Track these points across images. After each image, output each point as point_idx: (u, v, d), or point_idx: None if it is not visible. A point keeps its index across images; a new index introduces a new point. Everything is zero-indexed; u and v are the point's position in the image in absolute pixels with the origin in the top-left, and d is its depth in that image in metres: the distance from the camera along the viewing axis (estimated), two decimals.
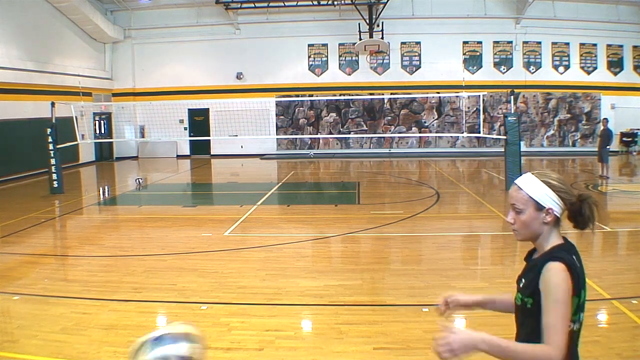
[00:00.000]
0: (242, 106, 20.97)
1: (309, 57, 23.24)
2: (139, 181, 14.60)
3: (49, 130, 13.20)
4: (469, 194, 12.46)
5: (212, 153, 23.93)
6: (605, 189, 13.06)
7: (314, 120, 23.29)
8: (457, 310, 2.15)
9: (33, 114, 17.12)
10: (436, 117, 22.90)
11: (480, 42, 22.57)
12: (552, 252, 1.79)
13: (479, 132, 18.26)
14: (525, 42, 22.46)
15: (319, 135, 23.06)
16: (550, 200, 1.80)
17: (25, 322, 4.93)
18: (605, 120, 15.03)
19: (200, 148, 23.79)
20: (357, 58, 22.99)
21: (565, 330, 1.67)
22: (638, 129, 21.94)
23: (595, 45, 22.40)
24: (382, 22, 21.51)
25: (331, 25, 22.56)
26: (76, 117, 15.87)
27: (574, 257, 1.78)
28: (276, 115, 23.15)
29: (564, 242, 1.83)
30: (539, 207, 1.80)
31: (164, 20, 22.88)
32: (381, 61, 22.94)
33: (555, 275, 1.70)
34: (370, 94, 22.68)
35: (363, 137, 22.98)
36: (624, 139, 21.91)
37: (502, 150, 13.30)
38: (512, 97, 13.23)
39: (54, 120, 13.58)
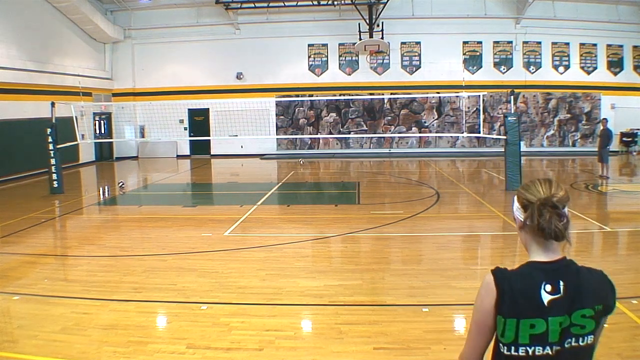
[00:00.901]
0: (242, 106, 20.97)
1: (309, 57, 23.24)
2: (121, 185, 13.79)
3: (49, 130, 13.20)
4: (469, 194, 12.45)
5: (212, 153, 23.93)
6: (605, 189, 13.06)
7: (314, 120, 23.29)
8: None
9: (33, 114, 17.12)
10: (436, 117, 22.90)
11: (480, 42, 22.58)
12: (519, 267, 1.71)
13: (479, 132, 18.26)
14: (525, 42, 22.46)
15: (319, 135, 23.07)
16: (515, 206, 1.77)
17: (25, 322, 4.93)
18: (605, 120, 15.03)
19: (200, 148, 23.80)
20: (357, 58, 22.99)
21: (470, 340, 1.71)
22: (638, 129, 21.94)
23: (595, 45, 22.41)
24: (382, 22, 21.52)
25: (331, 25, 22.56)
26: (76, 117, 15.87)
27: (543, 280, 1.63)
28: (276, 115, 23.16)
29: (544, 261, 1.67)
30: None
31: (164, 20, 22.88)
32: (381, 61, 22.94)
33: (481, 285, 1.69)
34: (370, 94, 22.68)
35: (363, 137, 22.98)
36: (624, 139, 21.91)
37: (502, 150, 13.30)
38: (512, 97, 13.24)
39: (54, 120, 13.57)
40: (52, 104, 13.82)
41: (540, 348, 1.62)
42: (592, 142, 21.64)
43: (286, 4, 21.75)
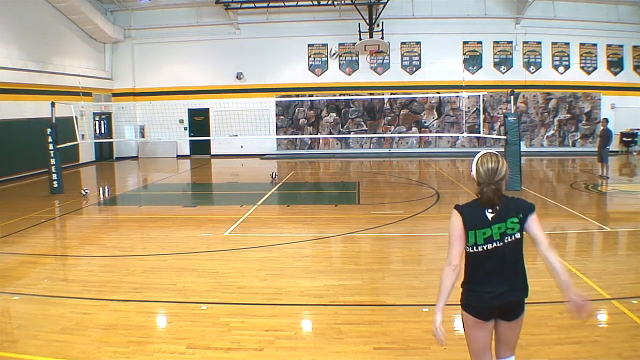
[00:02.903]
0: (242, 106, 20.98)
1: (309, 57, 23.24)
2: (85, 192, 12.72)
3: (49, 130, 13.20)
4: (468, 194, 12.44)
5: (212, 153, 23.93)
6: (605, 189, 13.05)
7: (314, 120, 23.29)
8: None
9: (33, 114, 17.13)
10: (436, 117, 22.90)
11: (480, 42, 22.57)
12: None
13: (479, 132, 18.27)
14: (525, 42, 22.46)
15: (319, 135, 23.08)
16: (472, 167, 2.88)
17: (25, 322, 4.93)
18: (605, 120, 15.01)
19: (200, 148, 23.80)
20: (357, 58, 22.99)
21: (451, 248, 2.83)
22: (638, 129, 21.94)
23: (595, 45, 22.41)
24: (382, 22, 21.52)
25: (331, 25, 22.57)
26: (76, 117, 15.88)
27: (483, 208, 2.79)
28: (276, 115, 23.16)
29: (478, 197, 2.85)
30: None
31: (164, 20, 22.88)
32: (381, 61, 22.94)
33: (451, 217, 2.86)
34: (370, 94, 22.68)
35: (363, 137, 22.99)
36: (624, 139, 21.91)
37: (502, 150, 13.29)
38: (512, 97, 13.23)
39: (54, 120, 13.57)
40: (52, 104, 13.82)
41: (490, 244, 2.79)
42: (592, 142, 21.65)
43: (286, 4, 21.75)
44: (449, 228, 2.83)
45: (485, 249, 2.79)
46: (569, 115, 22.58)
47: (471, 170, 2.89)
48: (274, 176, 15.54)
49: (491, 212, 2.79)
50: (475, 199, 2.86)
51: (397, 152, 22.94)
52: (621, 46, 22.43)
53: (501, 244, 2.78)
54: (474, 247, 2.80)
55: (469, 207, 2.87)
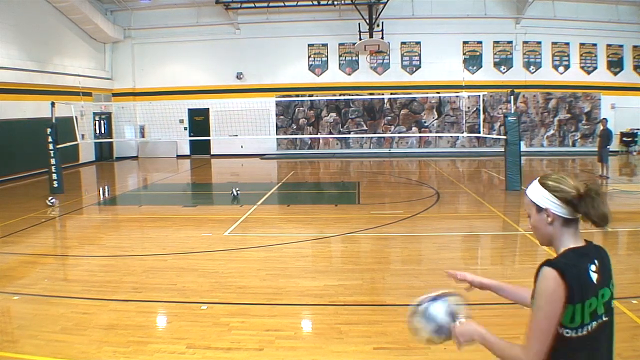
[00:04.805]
0: (242, 106, 20.98)
1: (309, 57, 23.24)
2: (51, 202, 11.55)
3: (49, 130, 13.20)
4: (469, 194, 12.45)
5: (212, 153, 23.93)
6: (605, 189, 13.05)
7: (314, 120, 23.29)
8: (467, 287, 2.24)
9: (33, 114, 17.13)
10: (436, 117, 22.90)
11: (480, 42, 22.58)
12: (558, 256, 1.78)
13: (479, 132, 18.25)
14: (525, 42, 22.46)
15: (319, 135, 23.09)
16: (546, 201, 1.79)
17: (25, 322, 4.93)
18: (605, 120, 15.03)
19: (200, 148, 23.80)
20: (357, 58, 22.99)
21: (540, 336, 1.68)
22: (638, 129, 21.94)
23: (595, 45, 22.41)
24: (382, 22, 21.52)
25: (331, 25, 22.57)
26: (76, 117, 15.87)
27: (588, 263, 1.73)
28: (276, 115, 23.17)
29: (579, 246, 1.78)
30: (539, 209, 1.82)
31: (164, 20, 22.88)
32: (381, 61, 22.94)
33: (543, 281, 1.69)
34: (370, 94, 22.68)
35: (363, 137, 22.99)
36: (624, 139, 21.91)
37: (502, 150, 13.30)
38: (512, 97, 13.24)
39: (54, 120, 13.58)
40: (52, 104, 13.83)
41: (595, 322, 1.73)
42: (592, 142, 21.64)
43: (286, 3, 21.75)
44: (541, 295, 1.69)
45: (589, 330, 1.73)
46: (569, 115, 22.58)
47: (544, 206, 1.79)
48: (235, 193, 12.33)
49: (595, 271, 1.74)
50: (571, 251, 1.77)
51: (397, 152, 22.94)
52: (621, 46, 22.44)
53: (606, 319, 1.77)
54: (577, 331, 1.71)
55: (573, 264, 1.72)
